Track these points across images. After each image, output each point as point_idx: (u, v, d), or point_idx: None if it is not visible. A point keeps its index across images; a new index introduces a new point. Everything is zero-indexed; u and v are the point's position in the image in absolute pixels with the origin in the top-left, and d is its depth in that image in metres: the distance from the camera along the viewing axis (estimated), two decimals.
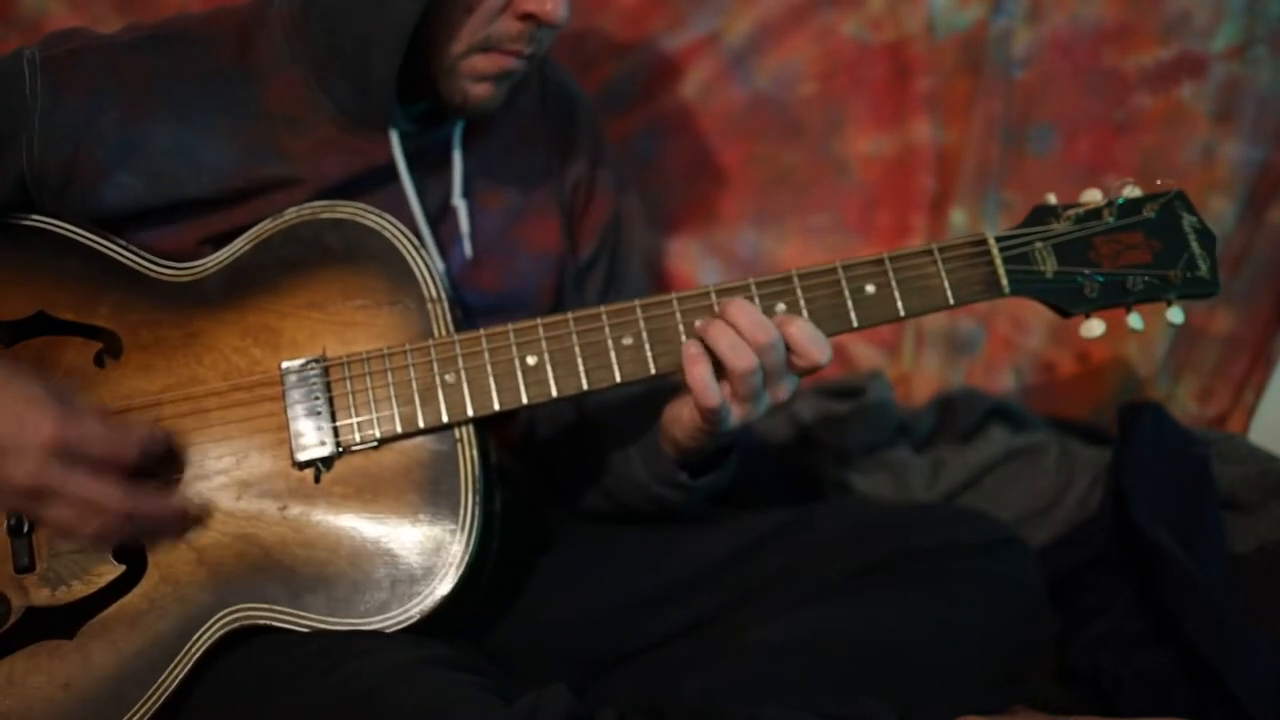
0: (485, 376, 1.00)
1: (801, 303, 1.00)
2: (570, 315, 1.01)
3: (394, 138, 1.09)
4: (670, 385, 1.06)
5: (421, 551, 0.98)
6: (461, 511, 0.98)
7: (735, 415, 0.99)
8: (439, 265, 1.13)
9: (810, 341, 0.97)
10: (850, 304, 1.01)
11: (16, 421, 0.87)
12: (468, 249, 1.16)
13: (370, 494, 0.99)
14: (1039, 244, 1.03)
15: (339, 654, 0.93)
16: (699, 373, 0.96)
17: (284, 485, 0.99)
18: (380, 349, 1.01)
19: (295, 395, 1.00)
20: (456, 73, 1.05)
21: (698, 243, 1.70)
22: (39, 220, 1.04)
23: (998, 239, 1.03)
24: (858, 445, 1.56)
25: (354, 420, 1.00)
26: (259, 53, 1.08)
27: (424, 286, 1.03)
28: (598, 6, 1.59)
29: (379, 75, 1.03)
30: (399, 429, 0.99)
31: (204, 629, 0.96)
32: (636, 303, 1.01)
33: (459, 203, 1.15)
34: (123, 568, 0.97)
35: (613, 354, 1.00)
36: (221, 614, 0.96)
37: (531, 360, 1.00)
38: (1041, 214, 1.04)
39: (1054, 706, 1.13)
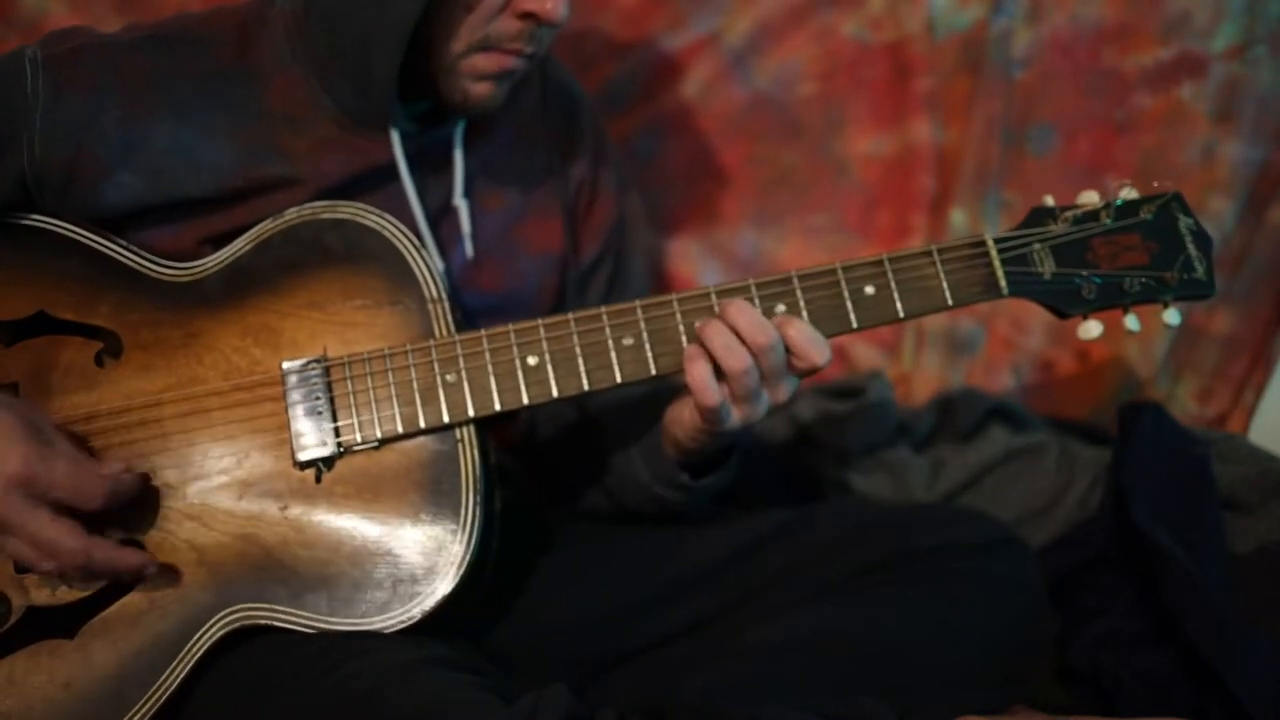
0: (486, 376, 1.00)
1: (801, 304, 1.01)
2: (571, 316, 1.01)
3: (395, 137, 1.09)
4: (673, 386, 1.07)
5: (422, 551, 0.98)
6: (462, 511, 0.98)
7: (735, 416, 0.99)
8: (439, 265, 1.13)
9: (809, 343, 0.97)
10: (850, 305, 1.01)
11: None
12: (469, 249, 1.16)
13: (371, 494, 0.99)
14: (1037, 245, 1.03)
15: (339, 654, 0.93)
16: (698, 372, 0.96)
17: (285, 485, 0.99)
18: (381, 349, 1.01)
19: (296, 395, 1.00)
20: (457, 72, 1.04)
21: (698, 243, 1.70)
22: (39, 220, 1.04)
23: (996, 240, 1.03)
24: (858, 445, 1.56)
25: (355, 420, 1.00)
26: (259, 52, 1.08)
27: (425, 287, 1.03)
28: (598, 6, 1.59)
29: (379, 74, 1.03)
30: (400, 429, 0.99)
31: (205, 629, 0.96)
32: (637, 303, 1.01)
33: (460, 203, 1.15)
34: None
35: (613, 354, 1.00)
36: (222, 614, 0.96)
37: (532, 360, 1.00)
38: (1039, 215, 1.04)
39: (1054, 706, 1.13)
